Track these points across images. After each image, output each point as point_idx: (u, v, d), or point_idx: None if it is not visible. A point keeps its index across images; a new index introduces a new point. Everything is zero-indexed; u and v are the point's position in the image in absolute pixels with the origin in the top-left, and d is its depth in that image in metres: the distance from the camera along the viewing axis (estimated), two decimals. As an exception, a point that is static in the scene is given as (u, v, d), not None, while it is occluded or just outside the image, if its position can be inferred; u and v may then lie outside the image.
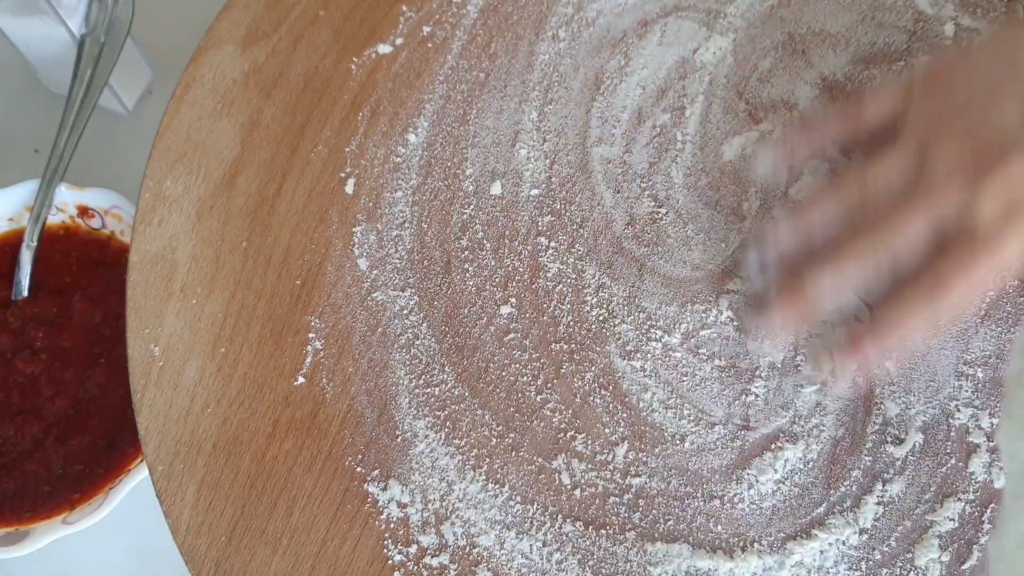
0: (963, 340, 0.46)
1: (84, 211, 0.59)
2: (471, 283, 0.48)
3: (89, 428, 0.55)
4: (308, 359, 0.47)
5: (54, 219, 0.59)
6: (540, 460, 0.46)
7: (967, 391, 0.46)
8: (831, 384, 0.46)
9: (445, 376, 0.47)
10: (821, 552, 0.44)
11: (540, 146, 0.50)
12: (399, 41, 0.52)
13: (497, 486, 0.45)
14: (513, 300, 0.48)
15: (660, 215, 0.49)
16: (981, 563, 0.44)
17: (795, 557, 0.44)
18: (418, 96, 0.51)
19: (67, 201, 0.59)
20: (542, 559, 0.44)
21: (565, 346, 0.47)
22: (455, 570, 0.44)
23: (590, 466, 0.45)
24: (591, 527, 0.45)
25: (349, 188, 0.50)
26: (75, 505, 0.54)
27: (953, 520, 0.44)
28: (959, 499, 0.45)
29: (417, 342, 0.47)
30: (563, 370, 0.47)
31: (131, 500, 0.53)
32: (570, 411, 0.46)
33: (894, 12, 0.51)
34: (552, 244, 0.49)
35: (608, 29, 0.52)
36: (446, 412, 0.46)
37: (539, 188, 0.50)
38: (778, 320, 0.44)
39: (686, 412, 0.46)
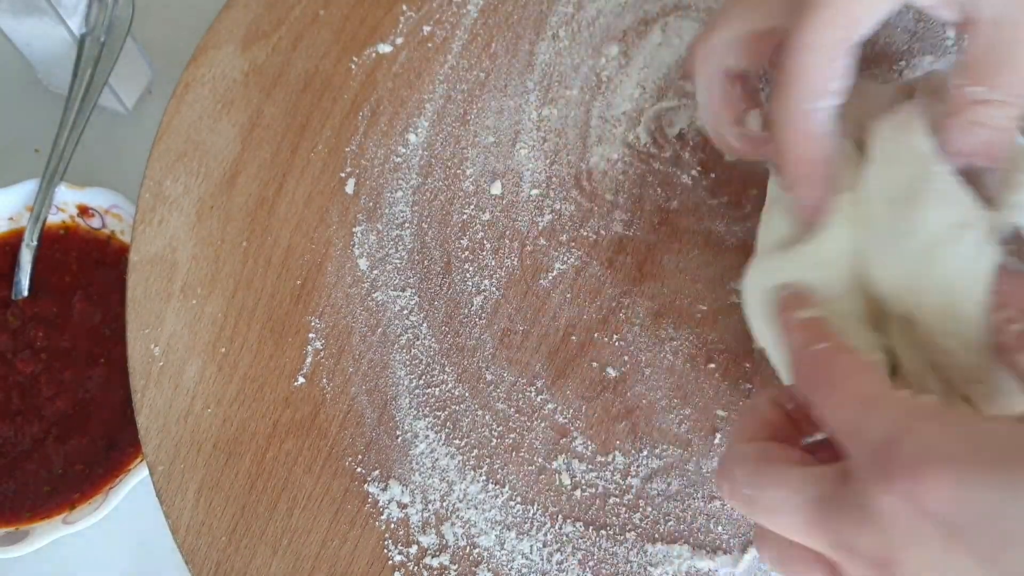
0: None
1: (84, 211, 0.59)
2: (471, 283, 0.48)
3: (89, 428, 0.55)
4: (308, 359, 0.47)
5: (54, 219, 0.59)
6: (540, 460, 0.46)
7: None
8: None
9: (445, 376, 0.47)
10: (821, 552, 0.44)
11: (540, 146, 0.50)
12: (399, 41, 0.52)
13: (497, 486, 0.45)
14: (513, 300, 0.48)
15: (661, 215, 0.49)
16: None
17: (795, 557, 0.44)
18: (418, 96, 0.51)
19: (67, 200, 0.58)
20: (542, 559, 0.44)
21: (565, 346, 0.47)
22: (455, 570, 0.44)
23: (590, 467, 0.45)
24: (591, 528, 0.45)
25: (349, 188, 0.50)
26: (75, 505, 0.54)
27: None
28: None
29: (417, 342, 0.47)
30: (563, 370, 0.47)
31: (131, 500, 0.53)
32: (570, 411, 0.46)
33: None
34: (552, 244, 0.49)
35: (608, 28, 0.52)
36: (446, 412, 0.46)
37: (539, 188, 0.50)
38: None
39: (687, 412, 0.46)
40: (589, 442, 0.46)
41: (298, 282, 0.49)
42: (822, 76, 0.36)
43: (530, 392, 0.47)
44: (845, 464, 0.31)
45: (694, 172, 0.49)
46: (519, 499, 0.45)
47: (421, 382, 0.47)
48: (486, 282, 0.48)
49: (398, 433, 0.46)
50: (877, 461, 0.29)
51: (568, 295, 0.48)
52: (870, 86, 0.43)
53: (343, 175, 0.50)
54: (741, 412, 0.39)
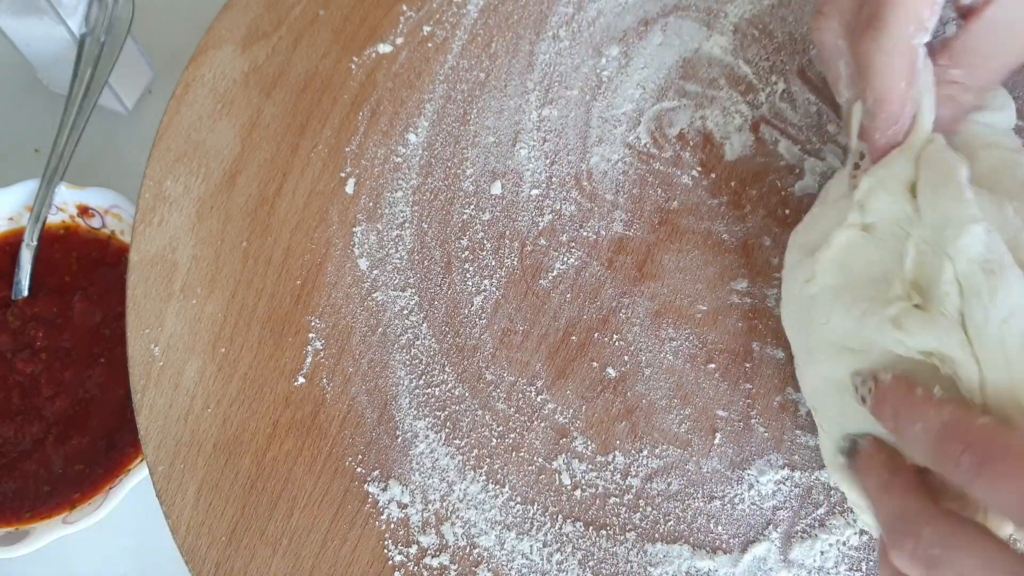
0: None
1: (84, 211, 0.59)
2: (471, 283, 0.48)
3: (89, 428, 0.55)
4: (308, 359, 0.47)
5: (54, 219, 0.59)
6: (540, 460, 0.46)
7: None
8: None
9: (445, 376, 0.47)
10: (822, 553, 0.44)
11: (540, 146, 0.50)
12: (399, 41, 0.52)
13: (497, 486, 0.45)
14: (513, 300, 0.48)
15: (661, 215, 0.49)
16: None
17: (795, 557, 0.44)
18: (418, 96, 0.51)
19: (67, 200, 0.59)
20: (542, 559, 0.44)
21: (565, 346, 0.47)
22: (455, 570, 0.44)
23: (590, 466, 0.45)
24: (591, 527, 0.45)
25: (349, 188, 0.50)
26: (75, 505, 0.54)
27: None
28: (960, 499, 0.45)
29: (417, 342, 0.47)
30: (563, 370, 0.47)
31: (131, 500, 0.53)
32: (570, 411, 0.46)
33: (895, 12, 0.51)
34: (552, 244, 0.49)
35: (608, 29, 0.52)
36: (446, 412, 0.46)
37: (539, 188, 0.50)
38: None
39: (687, 412, 0.46)
40: (589, 442, 0.46)
41: (298, 282, 0.49)
42: (923, 8, 0.38)
43: (530, 392, 0.47)
44: None
45: (694, 172, 0.49)
46: (519, 499, 0.45)
47: (421, 382, 0.47)
48: (486, 282, 0.48)
49: (398, 433, 0.46)
50: None
51: (568, 295, 0.48)
52: None
53: (343, 175, 0.50)
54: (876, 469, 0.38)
